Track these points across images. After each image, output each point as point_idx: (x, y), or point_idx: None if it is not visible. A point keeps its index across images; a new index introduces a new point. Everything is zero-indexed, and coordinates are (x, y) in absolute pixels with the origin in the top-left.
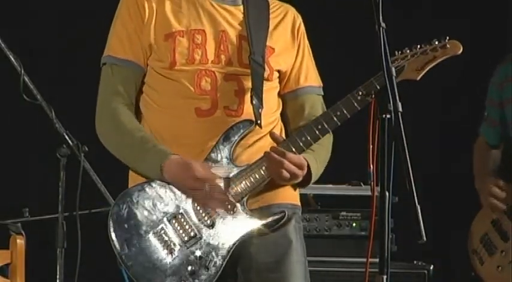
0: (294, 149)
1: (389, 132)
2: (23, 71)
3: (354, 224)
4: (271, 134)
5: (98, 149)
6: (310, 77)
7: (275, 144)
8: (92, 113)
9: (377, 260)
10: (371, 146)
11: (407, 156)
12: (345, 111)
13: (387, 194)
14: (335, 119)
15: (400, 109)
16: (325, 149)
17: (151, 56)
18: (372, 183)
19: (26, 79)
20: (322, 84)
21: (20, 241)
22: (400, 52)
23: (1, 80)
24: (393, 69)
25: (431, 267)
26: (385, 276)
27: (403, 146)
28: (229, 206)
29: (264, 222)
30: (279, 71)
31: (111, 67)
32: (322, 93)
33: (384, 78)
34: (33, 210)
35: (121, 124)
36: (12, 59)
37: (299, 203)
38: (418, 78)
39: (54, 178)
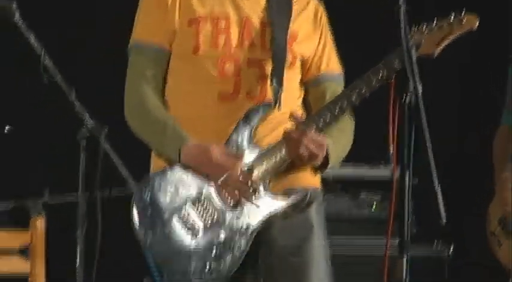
0: (313, 129)
1: (410, 113)
2: (43, 52)
3: (374, 205)
4: (292, 114)
5: (119, 130)
6: (332, 64)
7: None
8: (113, 94)
9: (397, 241)
10: (391, 127)
11: (428, 137)
12: (363, 90)
13: (407, 175)
14: (354, 97)
15: (420, 90)
16: (345, 134)
17: (174, 41)
18: (392, 164)
19: (46, 59)
20: (342, 72)
21: (40, 222)
22: (416, 27)
23: (21, 61)
24: (413, 51)
25: (451, 248)
26: (405, 258)
27: (423, 127)
28: (250, 190)
29: (287, 202)
30: (301, 58)
31: (137, 51)
32: (343, 81)
33: (403, 55)
34: (54, 191)
35: (147, 110)
36: (33, 39)
37: (320, 187)
38: (436, 53)
39: (75, 159)
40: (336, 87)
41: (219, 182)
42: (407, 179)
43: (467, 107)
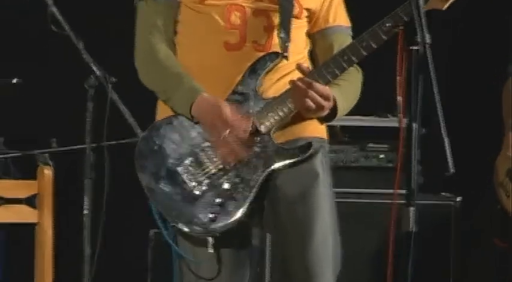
0: (320, 80)
1: (417, 63)
2: (51, 1)
3: (382, 156)
4: (298, 65)
5: (126, 80)
6: (340, 17)
7: (302, 77)
8: (121, 44)
9: (404, 191)
10: (399, 78)
11: (436, 88)
12: (371, 42)
13: (415, 125)
14: (361, 50)
15: (428, 40)
16: (353, 85)
17: None
18: (400, 114)
19: (54, 10)
20: (350, 24)
21: (48, 171)
22: None
23: (29, 11)
24: (421, 0)
25: (459, 199)
26: (412, 208)
27: (430, 78)
28: (254, 142)
29: (291, 153)
30: (308, 10)
31: (146, 2)
32: (351, 34)
33: (411, 8)
34: (61, 141)
35: (158, 60)
36: None
37: (326, 137)
38: (444, 7)
39: (82, 109)
40: (344, 39)
41: (224, 136)
42: (414, 129)
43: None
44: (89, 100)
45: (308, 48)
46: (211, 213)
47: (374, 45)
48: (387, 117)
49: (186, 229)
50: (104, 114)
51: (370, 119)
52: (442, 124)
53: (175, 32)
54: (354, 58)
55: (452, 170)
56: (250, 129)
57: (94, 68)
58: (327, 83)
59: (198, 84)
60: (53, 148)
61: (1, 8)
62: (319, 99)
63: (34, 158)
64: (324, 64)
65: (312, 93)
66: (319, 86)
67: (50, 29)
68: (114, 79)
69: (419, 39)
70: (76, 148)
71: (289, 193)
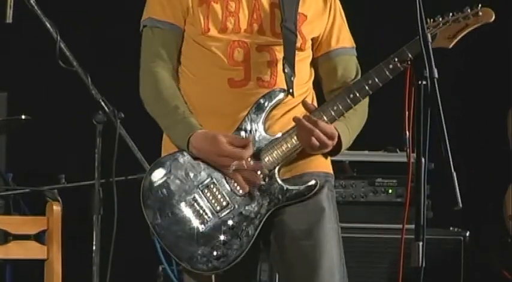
0: (325, 118)
1: (425, 98)
2: (59, 38)
3: (390, 191)
4: (304, 103)
5: (134, 116)
6: (343, 39)
7: (307, 114)
8: (128, 79)
9: (413, 226)
10: (407, 113)
11: (443, 122)
12: (376, 80)
13: (423, 160)
14: (366, 87)
15: (436, 75)
16: (358, 115)
17: (187, 18)
18: (408, 149)
19: (62, 45)
20: (355, 45)
21: (57, 208)
22: (432, 20)
23: (37, 47)
24: (429, 36)
25: (468, 234)
26: (421, 243)
27: (438, 113)
28: (259, 179)
29: (296, 191)
30: (312, 39)
31: (151, 30)
32: (356, 54)
33: (417, 45)
34: (70, 177)
35: (159, 91)
36: (48, 25)
37: (331, 171)
38: (450, 46)
39: (91, 145)
40: (347, 61)
41: (227, 171)
42: (423, 163)
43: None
44: (97, 136)
45: (312, 78)
46: (215, 251)
47: (379, 83)
48: (396, 152)
49: (189, 267)
50: (112, 150)
51: (378, 154)
52: (450, 159)
53: (178, 61)
54: (359, 96)
55: (460, 205)
56: (254, 165)
57: (102, 104)
58: (333, 120)
59: (194, 119)
60: (61, 184)
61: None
62: (324, 138)
63: (43, 194)
64: (330, 101)
65: (317, 132)
66: (325, 125)
67: (59, 65)
68: (122, 115)
69: (427, 74)
70: (85, 184)
71: (295, 228)
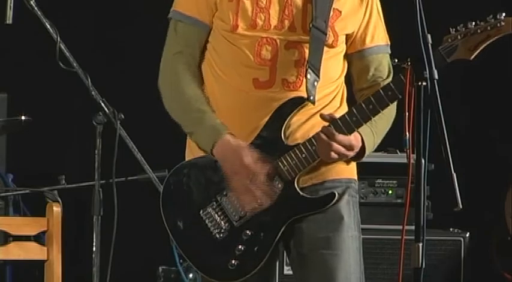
0: (344, 129)
1: (425, 99)
2: (59, 39)
3: (390, 192)
4: (321, 116)
5: (134, 117)
6: (377, 37)
7: (325, 126)
8: (128, 80)
9: (413, 227)
10: (407, 114)
11: (443, 123)
12: (396, 91)
13: (423, 161)
14: (385, 98)
15: (436, 77)
16: (384, 119)
17: (216, 13)
18: (408, 150)
19: (62, 46)
20: (389, 42)
21: (57, 209)
22: (454, 29)
23: (37, 48)
24: (429, 37)
25: (467, 235)
26: (420, 244)
27: (438, 114)
28: (278, 188)
29: (312, 203)
30: (345, 35)
31: (176, 24)
32: (389, 51)
33: (420, 46)
34: (70, 178)
35: (180, 89)
36: (48, 26)
37: (354, 176)
38: (471, 58)
39: (91, 146)
40: (380, 60)
41: (247, 181)
42: (423, 164)
43: (487, 96)
44: (97, 137)
45: (345, 73)
46: (233, 260)
47: (398, 94)
48: (396, 153)
49: (205, 276)
50: (112, 150)
51: (378, 155)
52: (450, 160)
53: (201, 58)
54: (378, 107)
55: (460, 206)
56: (273, 175)
57: (102, 105)
58: (352, 131)
59: (221, 122)
60: (61, 185)
61: (10, 46)
62: (342, 150)
63: (43, 194)
64: (349, 112)
65: (335, 145)
66: (343, 138)
67: (59, 66)
68: (122, 116)
69: (427, 75)
70: (85, 185)
71: (314, 237)
